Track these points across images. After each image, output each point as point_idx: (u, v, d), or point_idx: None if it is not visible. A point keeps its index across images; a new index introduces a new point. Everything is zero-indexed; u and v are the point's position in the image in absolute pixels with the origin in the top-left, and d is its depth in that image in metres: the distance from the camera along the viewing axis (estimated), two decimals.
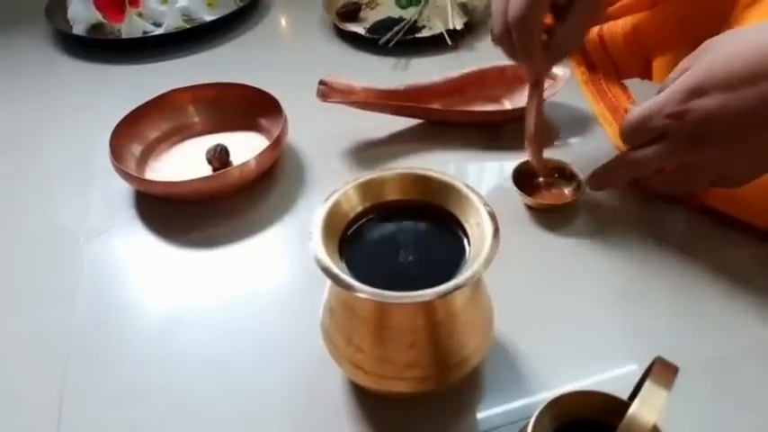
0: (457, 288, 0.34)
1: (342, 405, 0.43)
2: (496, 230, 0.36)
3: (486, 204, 0.38)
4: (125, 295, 0.52)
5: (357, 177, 0.40)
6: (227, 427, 0.42)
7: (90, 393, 0.45)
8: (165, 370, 0.46)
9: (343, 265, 0.37)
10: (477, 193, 0.39)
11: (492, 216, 0.37)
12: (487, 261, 0.35)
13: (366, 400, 0.43)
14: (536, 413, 0.32)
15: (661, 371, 0.26)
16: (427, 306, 0.36)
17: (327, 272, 0.35)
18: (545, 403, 0.32)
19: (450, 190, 0.40)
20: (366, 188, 0.40)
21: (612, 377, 0.43)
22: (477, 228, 0.38)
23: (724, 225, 0.53)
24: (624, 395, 0.32)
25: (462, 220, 0.39)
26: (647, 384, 0.25)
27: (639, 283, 0.50)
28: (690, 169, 0.48)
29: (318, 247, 0.36)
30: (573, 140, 0.64)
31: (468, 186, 0.39)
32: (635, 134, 0.49)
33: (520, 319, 0.46)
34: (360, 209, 0.40)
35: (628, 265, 0.51)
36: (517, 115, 0.66)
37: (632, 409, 0.24)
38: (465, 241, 0.38)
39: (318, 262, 0.35)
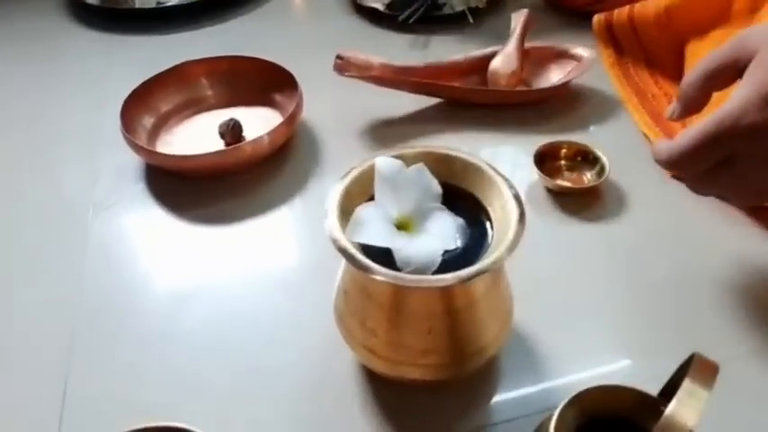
0: (479, 274, 0.32)
1: (353, 390, 0.42)
2: (522, 215, 0.35)
3: (511, 187, 0.36)
4: (133, 271, 0.51)
5: (375, 155, 0.39)
6: (234, 408, 0.41)
7: (96, 370, 0.44)
8: (173, 348, 0.45)
9: (359, 247, 0.35)
10: (503, 175, 0.37)
11: (518, 199, 0.35)
12: (512, 247, 0.33)
13: (378, 385, 0.42)
14: (559, 408, 0.30)
15: (700, 369, 0.24)
16: (447, 291, 0.34)
17: (343, 252, 0.33)
18: (569, 398, 0.31)
19: (474, 171, 0.38)
20: None
21: (638, 369, 0.42)
22: (502, 211, 0.36)
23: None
24: (650, 390, 0.31)
25: (485, 202, 0.37)
26: (686, 384, 0.24)
27: (666, 273, 0.48)
28: (755, 188, 0.40)
29: (334, 226, 0.34)
30: (597, 124, 0.62)
31: (492, 167, 0.38)
32: (690, 161, 0.40)
33: (539, 307, 0.45)
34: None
35: (654, 253, 0.49)
36: (541, 96, 0.64)
37: (670, 410, 0.23)
38: (488, 225, 0.37)
39: (334, 242, 0.34)
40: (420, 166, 0.37)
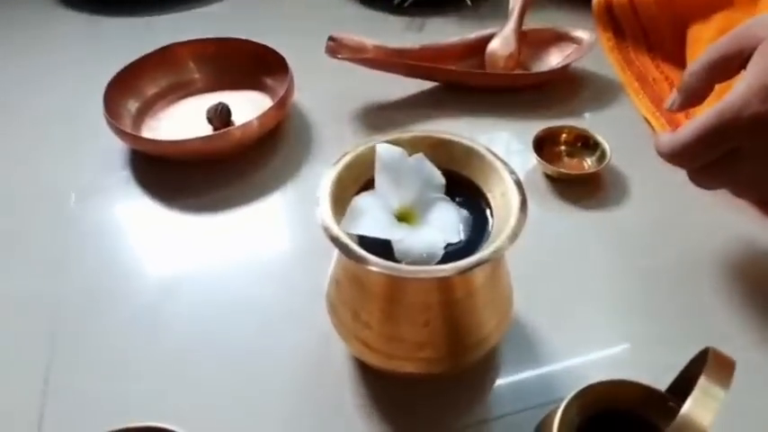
0: (479, 264, 0.30)
1: (346, 384, 0.40)
2: (524, 202, 0.33)
3: (512, 173, 0.35)
4: (117, 261, 0.49)
5: (369, 140, 0.37)
6: (222, 401, 0.40)
7: (78, 364, 0.42)
8: (159, 341, 0.43)
9: (353, 235, 0.33)
10: (503, 161, 0.35)
11: (519, 186, 0.34)
12: (513, 236, 0.31)
13: (373, 379, 0.40)
14: (564, 402, 0.29)
15: (717, 366, 0.23)
16: (445, 282, 0.33)
17: (336, 241, 0.32)
18: (573, 392, 0.29)
19: (474, 156, 0.36)
20: None
21: (641, 358, 0.41)
22: (502, 198, 0.34)
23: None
24: (655, 380, 0.29)
25: (485, 189, 0.36)
26: (703, 382, 0.22)
27: (668, 261, 0.46)
28: (759, 181, 0.39)
29: (326, 214, 0.33)
30: (598, 108, 0.60)
31: (493, 153, 0.36)
32: (692, 154, 0.38)
33: (538, 297, 0.43)
34: (372, 175, 0.37)
35: (656, 240, 0.48)
36: (540, 79, 0.62)
37: (685, 410, 0.21)
38: (488, 213, 0.35)
39: (326, 230, 0.32)
40: (421, 155, 0.35)
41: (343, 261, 0.35)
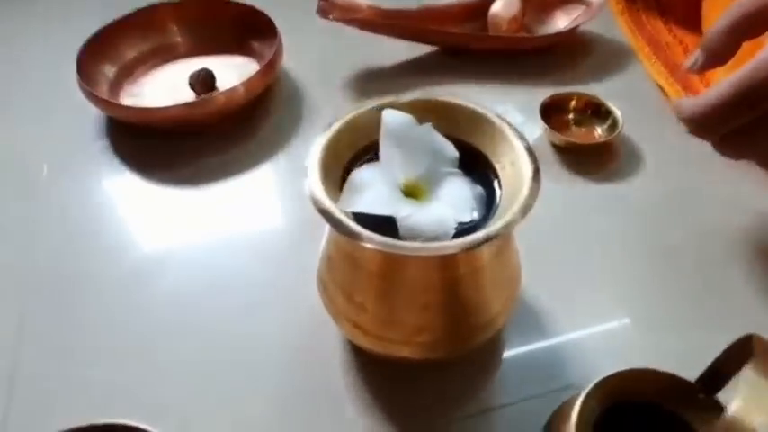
0: (487, 240, 0.27)
1: (338, 368, 0.37)
2: (536, 171, 0.29)
3: (522, 139, 0.31)
4: (92, 237, 0.45)
5: (363, 104, 0.33)
6: (206, 389, 0.37)
7: (49, 349, 0.39)
8: (138, 324, 0.40)
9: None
10: (513, 127, 0.32)
11: (531, 153, 0.30)
12: (525, 208, 0.28)
13: (367, 363, 0.37)
14: (584, 392, 0.26)
15: (765, 357, 0.20)
16: (448, 260, 0.29)
17: (326, 215, 0.28)
18: (594, 382, 0.26)
19: (480, 121, 0.33)
20: (375, 117, 0.33)
21: (660, 345, 0.38)
22: (512, 168, 0.31)
23: None
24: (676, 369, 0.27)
25: (492, 158, 0.32)
26: (749, 375, 0.19)
27: (684, 236, 0.43)
28: None
29: (316, 186, 0.29)
30: (609, 74, 0.57)
31: (501, 118, 0.32)
32: (719, 119, 0.34)
33: (546, 274, 0.40)
34: (367, 142, 0.33)
35: (671, 214, 0.45)
36: (545, 43, 0.58)
37: (734, 409, 0.18)
38: (495, 183, 0.32)
39: (316, 203, 0.29)
40: (430, 125, 0.32)
41: (335, 237, 0.32)
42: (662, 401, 0.27)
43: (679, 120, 0.37)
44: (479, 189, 0.31)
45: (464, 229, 0.29)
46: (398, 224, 0.29)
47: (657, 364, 0.27)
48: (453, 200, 0.30)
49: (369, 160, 0.33)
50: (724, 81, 0.34)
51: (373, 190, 0.30)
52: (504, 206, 0.29)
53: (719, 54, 0.38)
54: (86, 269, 0.43)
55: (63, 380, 0.37)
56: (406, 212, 0.29)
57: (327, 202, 0.29)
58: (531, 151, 0.30)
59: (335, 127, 0.32)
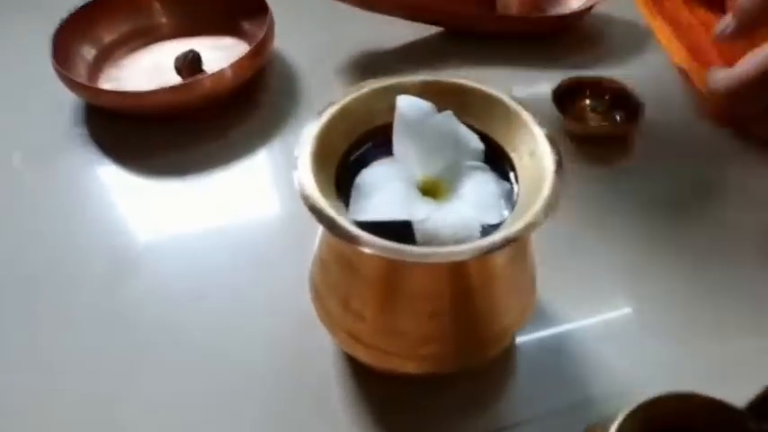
0: (505, 244, 0.23)
1: (334, 382, 0.33)
2: (559, 164, 0.26)
3: (542, 126, 0.27)
4: (66, 233, 0.42)
5: (360, 86, 0.29)
6: (186, 402, 0.33)
7: (13, 357, 0.35)
8: (113, 328, 0.36)
9: (342, 205, 0.26)
10: (531, 110, 0.28)
11: (553, 143, 0.27)
12: (549, 207, 0.24)
13: (366, 377, 0.34)
14: (619, 418, 0.23)
15: None
16: (459, 267, 0.26)
17: (318, 214, 0.25)
18: (631, 407, 0.23)
19: (494, 106, 0.29)
20: (376, 100, 0.29)
21: (686, 351, 0.34)
22: (531, 159, 0.27)
23: None
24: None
25: (508, 148, 0.28)
26: None
27: (712, 232, 0.40)
28: None
29: (307, 180, 0.25)
30: (625, 58, 0.53)
31: (518, 102, 0.28)
32: (756, 91, 0.33)
33: (562, 275, 0.36)
34: (366, 128, 0.29)
35: (697, 210, 0.41)
36: (559, 25, 0.54)
37: None
38: (512, 177, 0.28)
39: (306, 199, 0.25)
40: (450, 113, 0.28)
41: (330, 239, 0.28)
42: (707, 429, 0.23)
43: (712, 91, 0.33)
44: (507, 185, 0.28)
45: (483, 231, 0.26)
46: (414, 228, 0.25)
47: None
48: (478, 198, 0.27)
49: (370, 150, 0.29)
50: (759, 52, 0.30)
51: (386, 191, 0.26)
52: (524, 204, 0.26)
53: (752, 21, 0.34)
54: (59, 266, 0.39)
55: (27, 393, 0.34)
56: (424, 214, 0.25)
57: (320, 199, 0.25)
58: (553, 141, 0.27)
59: (330, 112, 0.28)
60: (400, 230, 0.25)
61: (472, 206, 0.26)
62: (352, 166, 0.28)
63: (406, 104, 0.27)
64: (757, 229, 0.40)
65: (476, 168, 0.28)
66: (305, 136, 0.27)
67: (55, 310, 0.37)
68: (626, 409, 0.23)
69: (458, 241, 0.25)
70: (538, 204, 0.24)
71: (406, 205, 0.25)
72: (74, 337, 0.36)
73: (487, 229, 0.25)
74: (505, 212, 0.26)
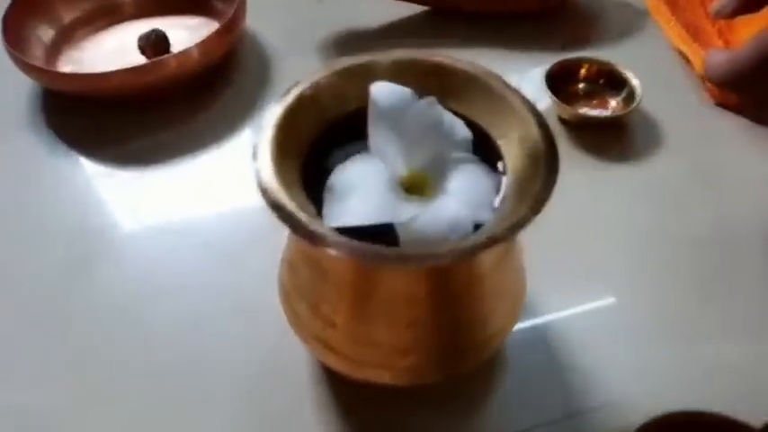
0: (490, 245, 0.20)
1: (309, 391, 0.31)
2: (552, 152, 0.23)
3: (534, 111, 0.24)
4: (18, 227, 0.39)
5: (330, 63, 0.26)
6: (149, 415, 0.30)
7: None
8: (67, 334, 0.33)
9: (308, 201, 0.23)
10: (521, 94, 0.25)
11: (544, 128, 0.24)
12: (539, 202, 0.21)
13: (341, 387, 0.31)
14: None
15: None
16: (439, 271, 0.23)
17: (279, 210, 0.21)
18: (641, 423, 0.20)
19: (479, 87, 0.26)
20: (348, 80, 0.26)
21: (683, 351, 0.31)
22: (520, 147, 0.24)
23: None
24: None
25: (495, 134, 0.25)
26: None
27: (709, 224, 0.37)
28: None
29: (266, 171, 0.22)
30: (621, 39, 0.50)
31: (506, 83, 0.25)
32: (760, 73, 0.28)
33: (551, 272, 0.33)
34: (337, 113, 0.26)
35: (694, 199, 0.39)
36: (550, 4, 0.51)
37: None
38: (500, 167, 0.25)
39: (265, 194, 0.22)
40: (433, 99, 0.25)
41: (296, 238, 0.25)
42: None
43: (710, 75, 0.31)
44: (500, 178, 0.24)
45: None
46: (397, 230, 0.22)
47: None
48: (468, 194, 0.23)
49: (342, 139, 0.26)
50: (764, 34, 0.27)
51: (364, 192, 0.22)
52: (511, 198, 0.23)
53: None
54: (7, 263, 0.36)
55: None
56: (409, 215, 0.22)
57: (282, 194, 0.22)
58: (544, 126, 0.24)
59: (295, 94, 0.25)
60: (382, 230, 0.22)
61: (463, 203, 0.23)
62: (321, 157, 0.25)
63: (382, 92, 0.24)
64: (758, 220, 0.37)
65: (464, 160, 0.24)
66: (266, 121, 0.24)
67: (7, 305, 0.34)
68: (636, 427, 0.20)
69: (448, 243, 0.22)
70: (527, 200, 0.21)
71: (388, 206, 0.22)
72: (25, 336, 0.33)
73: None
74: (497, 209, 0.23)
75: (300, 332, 0.28)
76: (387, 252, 0.20)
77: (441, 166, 0.25)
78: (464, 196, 0.23)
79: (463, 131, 0.26)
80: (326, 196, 0.22)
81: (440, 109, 0.25)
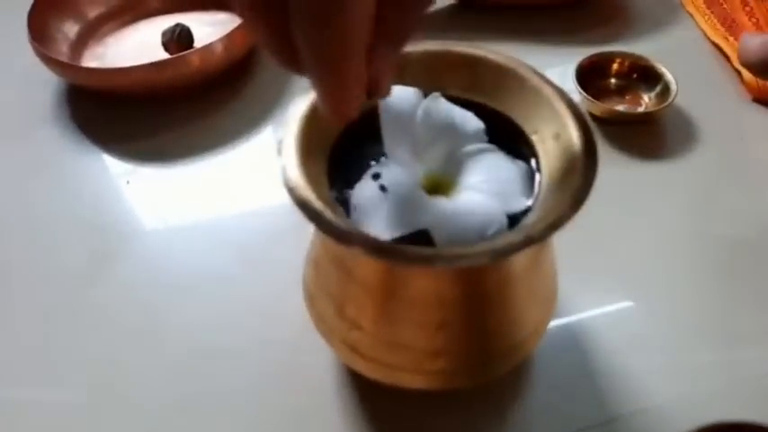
0: (526, 245, 0.19)
1: (334, 394, 0.30)
2: (590, 147, 0.22)
3: (570, 104, 0.23)
4: (43, 222, 0.38)
5: None
6: (170, 417, 0.30)
7: None
8: (88, 333, 0.33)
9: (335, 198, 0.23)
10: (557, 87, 0.24)
11: (582, 123, 0.23)
12: (578, 201, 0.20)
13: (369, 389, 0.30)
14: None
15: None
16: (471, 272, 0.22)
17: (304, 207, 0.21)
18: None
19: (509, 79, 0.25)
20: None
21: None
22: (555, 142, 0.23)
23: None
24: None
25: (528, 129, 0.24)
26: None
27: (745, 226, 0.36)
28: None
29: (292, 168, 0.22)
30: (654, 33, 0.48)
31: (540, 74, 0.24)
32: None
33: (582, 274, 0.32)
34: (367, 106, 0.25)
35: (729, 199, 0.37)
36: None
37: None
38: (533, 164, 0.24)
39: (291, 191, 0.21)
40: (438, 95, 0.24)
41: (321, 235, 0.25)
42: None
43: (744, 59, 0.29)
44: (521, 164, 0.24)
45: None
46: (432, 235, 0.21)
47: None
48: (494, 184, 0.23)
49: (369, 132, 0.25)
50: None
51: (387, 205, 0.22)
52: (547, 197, 0.22)
53: None
54: (30, 259, 0.36)
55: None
56: (436, 217, 0.21)
57: (309, 192, 0.21)
58: (582, 120, 0.23)
59: None
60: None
61: (490, 195, 0.22)
62: (347, 154, 0.24)
63: (389, 98, 0.23)
64: None
65: (482, 151, 0.24)
66: (291, 116, 0.23)
67: (29, 303, 0.34)
68: None
69: (483, 238, 0.21)
70: (565, 198, 0.20)
71: (413, 214, 0.21)
72: (46, 333, 0.33)
73: (515, 217, 0.22)
74: (529, 196, 0.23)
75: (326, 334, 0.27)
76: (418, 252, 0.20)
77: (459, 161, 0.24)
78: (489, 187, 0.23)
79: (474, 122, 0.25)
80: (352, 216, 0.22)
81: (446, 103, 0.24)
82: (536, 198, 0.22)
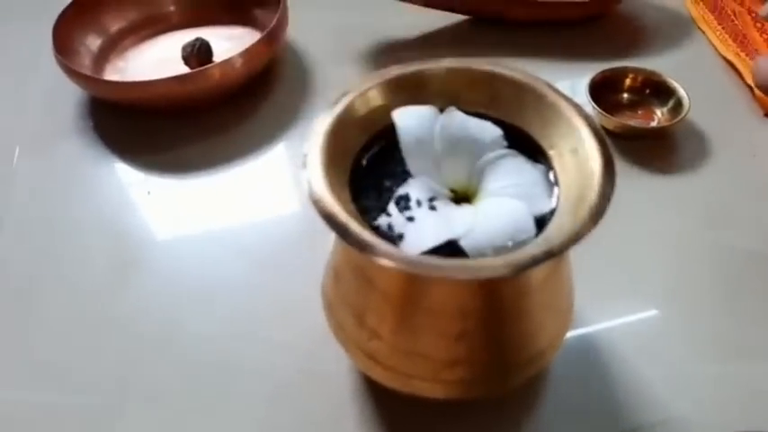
0: (547, 258, 0.20)
1: (350, 402, 0.30)
2: (609, 163, 0.22)
3: (588, 120, 0.24)
4: (66, 229, 0.39)
5: (379, 73, 0.26)
6: (182, 420, 0.30)
7: (3, 363, 0.33)
8: (109, 337, 0.34)
9: (357, 209, 0.23)
10: (574, 102, 0.25)
11: (600, 138, 0.23)
12: (596, 214, 0.21)
13: (385, 397, 0.30)
14: None
15: None
16: (491, 283, 0.22)
17: (329, 219, 0.21)
18: None
19: (528, 96, 0.25)
20: (397, 89, 0.26)
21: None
22: (573, 157, 0.24)
23: None
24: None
25: (545, 144, 0.25)
26: None
27: (757, 241, 0.36)
28: None
29: (317, 180, 0.22)
30: (665, 48, 0.49)
31: (557, 91, 0.25)
32: None
33: (597, 287, 0.33)
34: (387, 122, 0.26)
35: (742, 214, 0.38)
36: (593, 11, 0.51)
37: None
38: (551, 178, 0.24)
39: (316, 203, 0.22)
40: (453, 109, 0.25)
41: (342, 245, 0.25)
42: None
43: (758, 82, 0.30)
44: (540, 166, 0.24)
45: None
46: (461, 244, 0.22)
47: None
48: (518, 188, 0.24)
49: (390, 146, 0.25)
50: None
51: (416, 222, 0.23)
52: (566, 210, 0.22)
53: None
54: (55, 268, 0.37)
55: (14, 400, 0.31)
56: (464, 227, 0.22)
57: (333, 202, 0.22)
58: (599, 135, 0.23)
59: (345, 103, 0.25)
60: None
61: (516, 198, 0.23)
62: (368, 167, 0.25)
63: (404, 118, 0.24)
64: None
65: (503, 156, 0.25)
66: (315, 130, 0.24)
67: (54, 312, 0.35)
68: None
69: (514, 241, 0.21)
70: (584, 211, 0.21)
71: (442, 227, 0.22)
72: (65, 340, 0.33)
73: (541, 219, 0.23)
74: (553, 197, 0.23)
75: (345, 342, 0.28)
76: (441, 264, 0.20)
77: (481, 169, 0.25)
78: (514, 191, 0.23)
79: (491, 130, 0.26)
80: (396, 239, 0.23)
81: (462, 116, 0.25)
82: (553, 211, 0.23)
